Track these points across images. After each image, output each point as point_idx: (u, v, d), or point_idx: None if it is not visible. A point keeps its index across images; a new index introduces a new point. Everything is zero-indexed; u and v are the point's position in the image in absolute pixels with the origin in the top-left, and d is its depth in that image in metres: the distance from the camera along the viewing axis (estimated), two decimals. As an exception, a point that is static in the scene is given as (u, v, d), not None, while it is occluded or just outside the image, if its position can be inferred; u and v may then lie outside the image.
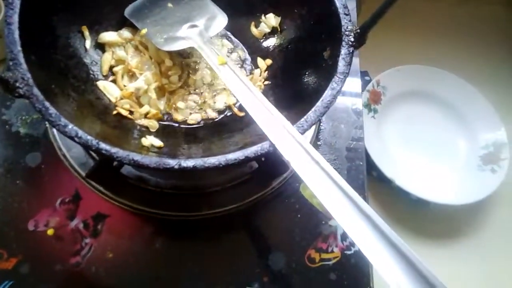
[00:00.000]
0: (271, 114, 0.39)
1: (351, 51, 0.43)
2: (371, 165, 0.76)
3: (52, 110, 0.36)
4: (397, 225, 0.80)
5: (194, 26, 0.49)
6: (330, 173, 0.34)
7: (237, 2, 0.55)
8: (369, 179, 0.59)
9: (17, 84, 0.36)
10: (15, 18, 0.39)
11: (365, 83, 0.86)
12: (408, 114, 0.86)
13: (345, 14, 0.45)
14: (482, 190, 0.78)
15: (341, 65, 0.42)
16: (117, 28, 0.52)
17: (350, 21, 0.44)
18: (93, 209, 0.49)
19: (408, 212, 0.80)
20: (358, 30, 0.44)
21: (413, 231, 0.80)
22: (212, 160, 0.36)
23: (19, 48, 0.38)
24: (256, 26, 0.55)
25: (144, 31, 0.48)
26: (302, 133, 0.38)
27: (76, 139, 0.35)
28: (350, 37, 0.44)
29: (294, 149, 0.36)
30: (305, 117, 0.39)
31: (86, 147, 0.36)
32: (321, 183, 0.34)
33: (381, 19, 0.41)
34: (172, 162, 0.36)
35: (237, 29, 0.56)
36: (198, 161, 0.36)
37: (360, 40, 0.44)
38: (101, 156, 0.48)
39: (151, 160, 0.36)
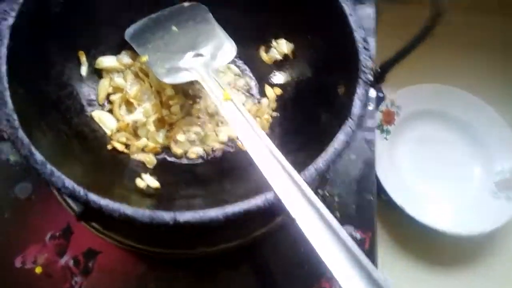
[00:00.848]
0: (277, 161, 0.36)
1: (368, 90, 0.40)
2: (380, 188, 0.72)
3: (38, 156, 0.33)
4: (406, 252, 0.77)
5: (199, 55, 0.45)
6: (343, 237, 0.31)
7: (247, 24, 0.50)
8: (378, 202, 0.55)
9: (0, 127, 0.33)
10: (3, 51, 0.36)
11: (378, 100, 0.81)
12: (422, 135, 0.82)
13: (364, 48, 0.41)
14: (496, 219, 0.74)
15: (356, 106, 0.38)
16: (116, 51, 0.48)
17: (369, 57, 0.41)
18: (84, 245, 0.46)
19: (418, 239, 0.76)
20: (378, 69, 0.40)
21: (423, 259, 0.76)
22: (212, 213, 0.33)
23: (6, 85, 0.34)
24: (266, 51, 0.51)
25: (145, 58, 0.45)
26: (310, 183, 0.35)
27: (62, 189, 0.32)
28: (368, 75, 0.40)
29: (301, 204, 0.33)
30: (313, 165, 0.36)
31: (73, 198, 0.32)
32: (331, 248, 0.31)
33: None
34: (167, 216, 0.33)
35: (245, 52, 0.52)
36: (195, 215, 0.33)
37: (378, 79, 0.41)
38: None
39: (144, 213, 0.32)
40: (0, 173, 0.48)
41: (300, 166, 0.36)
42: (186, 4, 0.50)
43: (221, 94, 0.40)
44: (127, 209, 0.32)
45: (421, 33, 0.38)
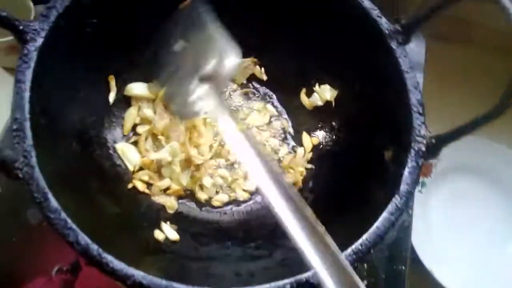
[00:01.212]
0: (315, 232, 0.31)
1: (420, 164, 0.35)
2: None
3: (53, 203, 0.30)
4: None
5: (204, 79, 0.37)
6: None
7: (292, 63, 0.47)
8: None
9: (16, 165, 0.30)
10: (28, 75, 0.32)
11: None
12: (459, 192, 0.75)
13: (419, 113, 0.37)
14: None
15: (405, 182, 0.34)
16: (148, 78, 0.45)
17: (423, 123, 0.36)
18: (92, 284, 0.43)
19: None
20: (433, 140, 0.35)
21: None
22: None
23: (28, 115, 0.31)
24: (308, 96, 0.47)
25: (162, 92, 0.41)
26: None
27: (75, 245, 0.29)
28: (421, 145, 0.35)
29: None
30: (352, 248, 0.32)
31: (85, 256, 0.29)
32: None
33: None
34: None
35: (285, 94, 0.48)
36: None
37: (432, 150, 0.36)
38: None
39: (160, 285, 0.29)
40: (13, 193, 0.45)
41: (334, 238, 0.32)
42: (182, 8, 0.42)
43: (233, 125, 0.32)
44: (143, 278, 0.29)
45: (493, 109, 0.33)
